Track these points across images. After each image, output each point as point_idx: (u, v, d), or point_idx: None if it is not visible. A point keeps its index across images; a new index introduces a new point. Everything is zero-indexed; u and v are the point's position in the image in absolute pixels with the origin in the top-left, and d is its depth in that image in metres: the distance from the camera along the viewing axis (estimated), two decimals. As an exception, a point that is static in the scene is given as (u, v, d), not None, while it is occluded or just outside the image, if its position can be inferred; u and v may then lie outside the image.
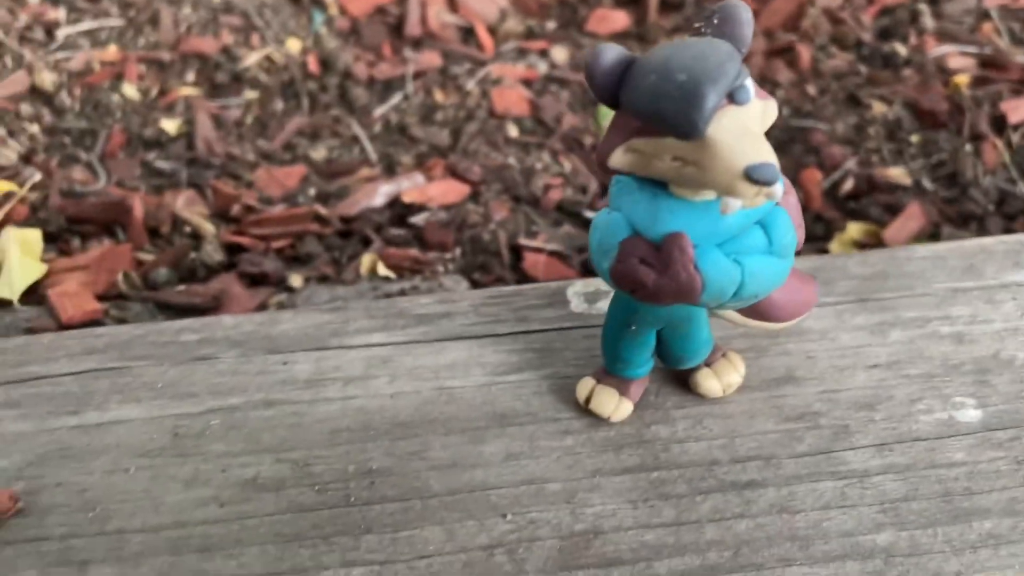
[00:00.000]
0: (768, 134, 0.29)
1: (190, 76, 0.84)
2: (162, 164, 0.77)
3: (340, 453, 0.37)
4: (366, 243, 0.63)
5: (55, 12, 0.86)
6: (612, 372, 0.37)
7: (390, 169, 0.74)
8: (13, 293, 0.55)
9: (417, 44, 0.86)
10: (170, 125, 0.79)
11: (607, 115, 0.83)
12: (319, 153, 0.77)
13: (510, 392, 0.39)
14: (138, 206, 0.60)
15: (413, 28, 0.86)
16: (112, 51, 0.84)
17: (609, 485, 0.35)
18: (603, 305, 0.43)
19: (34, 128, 0.77)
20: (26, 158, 0.72)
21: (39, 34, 0.84)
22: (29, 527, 0.34)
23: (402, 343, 0.42)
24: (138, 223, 0.60)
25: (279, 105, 0.82)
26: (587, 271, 0.64)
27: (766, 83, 0.85)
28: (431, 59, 0.84)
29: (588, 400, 0.37)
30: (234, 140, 0.78)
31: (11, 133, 0.75)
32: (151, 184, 0.75)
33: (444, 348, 0.42)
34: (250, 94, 0.83)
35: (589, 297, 0.44)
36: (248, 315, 0.43)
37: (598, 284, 0.45)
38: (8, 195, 0.64)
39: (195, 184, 0.73)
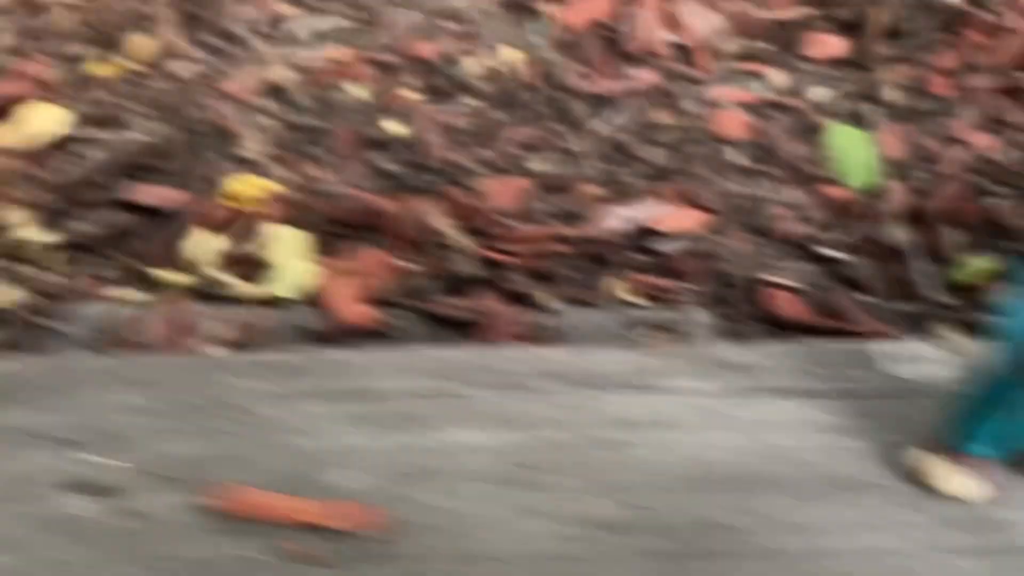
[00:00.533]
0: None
1: (411, 79, 0.86)
2: (387, 165, 0.79)
3: (680, 501, 0.38)
4: (604, 263, 0.64)
5: (289, 9, 0.89)
6: (965, 450, 0.37)
7: (614, 188, 0.74)
8: (286, 291, 0.58)
9: (633, 60, 0.86)
10: (393, 127, 0.82)
11: (842, 137, 0.82)
12: (539, 165, 0.78)
13: (841, 455, 0.40)
14: (397, 214, 0.63)
15: (630, 44, 0.86)
16: (341, 51, 0.87)
17: (959, 565, 0.34)
18: (928, 371, 0.42)
19: (271, 123, 0.81)
20: (272, 155, 0.76)
21: (274, 30, 0.88)
22: (390, 545, 0.35)
23: (721, 394, 0.42)
24: (397, 230, 0.62)
25: (497, 114, 0.84)
26: (824, 311, 0.64)
27: (994, 123, 0.82)
28: (648, 77, 0.84)
29: (934, 474, 0.37)
30: (454, 146, 0.80)
31: (252, 128, 0.79)
32: (376, 185, 0.77)
33: (764, 401, 0.42)
34: (469, 101, 0.85)
35: (909, 359, 0.43)
36: (569, 349, 0.44)
37: (918, 350, 0.44)
38: (264, 193, 0.67)
39: (418, 188, 0.75)
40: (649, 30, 0.87)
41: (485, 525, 0.36)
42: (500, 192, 0.73)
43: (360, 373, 0.42)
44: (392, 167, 0.79)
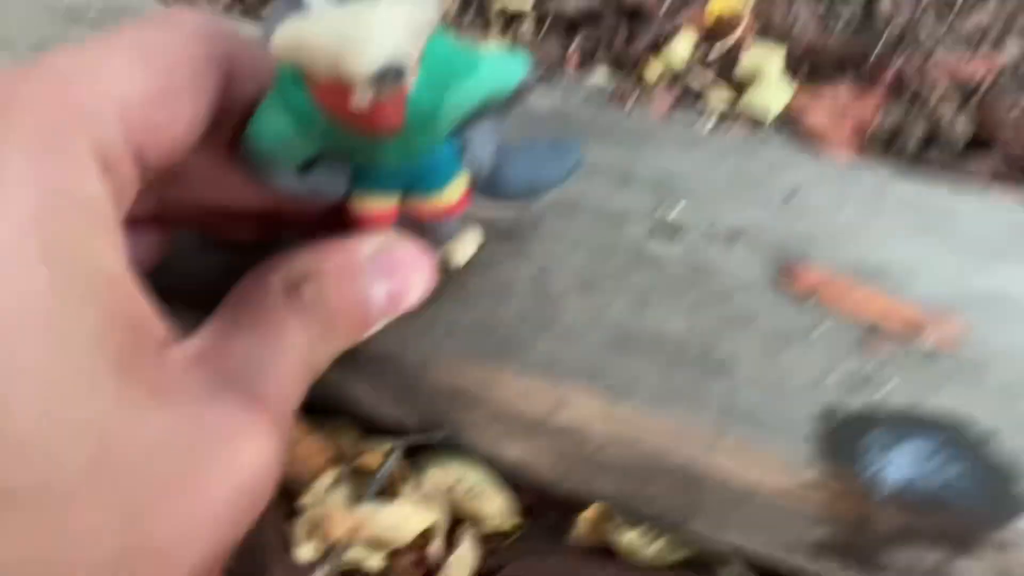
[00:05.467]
0: None
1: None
2: (834, 18, 0.74)
3: None
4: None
5: None
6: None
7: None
8: (769, 111, 0.57)
9: None
10: (856, -26, 0.76)
11: None
12: (1012, 50, 0.70)
13: None
14: (880, 61, 0.59)
15: None
16: None
17: None
18: None
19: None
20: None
21: None
22: (969, 362, 0.33)
23: None
24: (889, 76, 0.58)
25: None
26: None
27: None
28: None
29: None
30: (911, 14, 0.74)
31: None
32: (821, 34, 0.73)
33: None
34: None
35: None
36: None
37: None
38: (743, 8, 0.65)
39: (867, 49, 0.70)
40: None
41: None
42: (965, 69, 0.67)
43: (939, 198, 0.40)
44: (840, 25, 0.74)
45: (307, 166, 0.27)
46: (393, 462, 0.35)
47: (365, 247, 0.26)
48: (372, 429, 0.38)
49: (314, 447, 0.35)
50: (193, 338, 0.21)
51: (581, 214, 0.38)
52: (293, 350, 0.22)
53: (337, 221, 0.29)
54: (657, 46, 0.63)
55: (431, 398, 0.35)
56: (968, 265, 0.36)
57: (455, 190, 0.29)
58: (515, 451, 0.35)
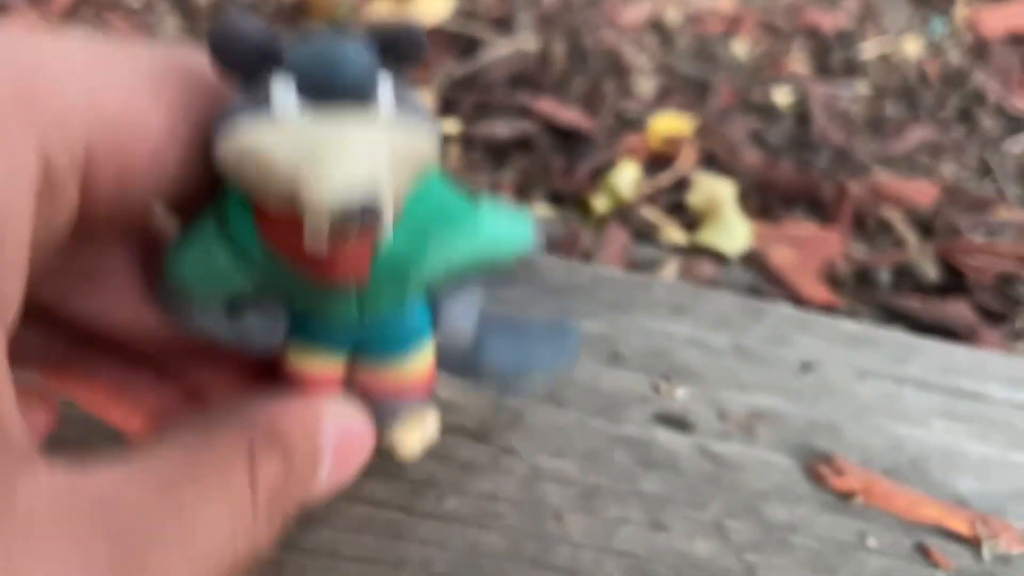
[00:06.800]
0: None
1: (800, 50, 0.80)
2: (770, 137, 0.73)
3: None
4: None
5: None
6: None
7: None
8: (733, 248, 0.53)
9: (1054, 83, 0.78)
10: (781, 97, 0.76)
11: None
12: (945, 172, 0.71)
13: None
14: (853, 193, 0.57)
15: (1054, 64, 0.77)
16: (732, 4, 0.81)
17: None
18: None
19: (652, 64, 0.75)
20: (659, 96, 0.71)
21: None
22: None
23: None
24: (848, 211, 0.56)
25: (891, 106, 0.76)
26: None
27: None
28: (1072, 103, 0.75)
29: None
30: (846, 132, 0.73)
31: (641, 64, 0.74)
32: (758, 155, 0.71)
33: None
34: (862, 86, 0.77)
35: None
36: None
37: None
38: (683, 137, 0.62)
39: (805, 170, 0.69)
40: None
41: None
42: (911, 194, 0.66)
43: (957, 371, 0.36)
44: (775, 140, 0.72)
45: (235, 305, 0.20)
46: None
47: (328, 409, 0.20)
48: None
49: None
50: (75, 468, 0.15)
51: (569, 401, 0.32)
52: (225, 527, 0.16)
53: (261, 371, 0.23)
54: (598, 174, 0.59)
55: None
56: (1011, 453, 0.32)
57: (419, 362, 0.22)
58: None
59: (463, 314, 0.23)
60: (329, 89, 0.15)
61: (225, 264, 0.19)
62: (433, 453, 0.30)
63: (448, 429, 0.30)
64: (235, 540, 0.17)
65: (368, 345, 0.22)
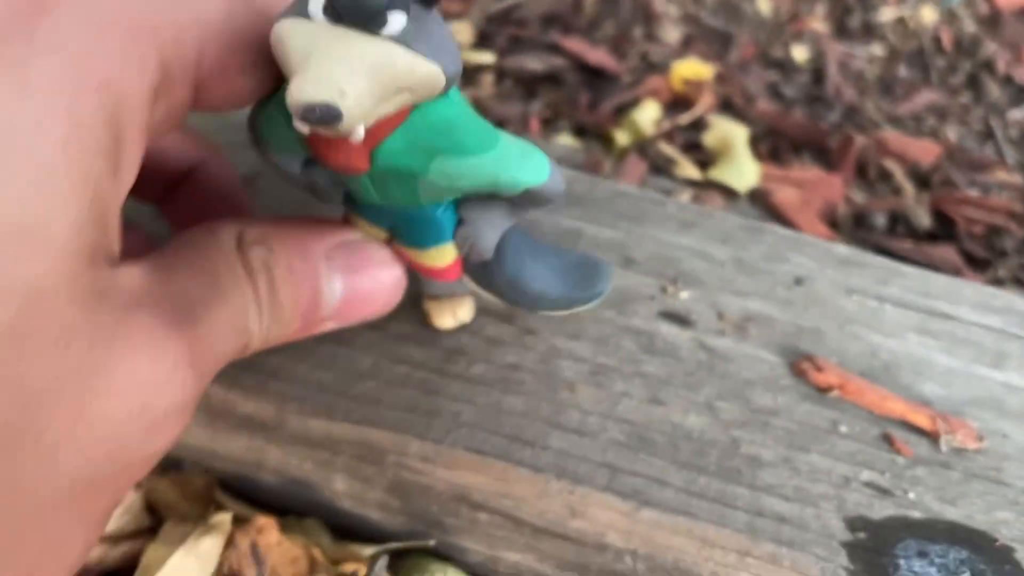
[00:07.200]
0: None
1: (821, 9, 0.82)
2: (785, 90, 0.76)
3: None
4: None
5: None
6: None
7: (1035, 183, 0.69)
8: (742, 185, 0.56)
9: (1064, 56, 0.80)
10: (799, 54, 0.78)
11: None
12: (950, 135, 0.74)
13: None
14: (858, 144, 0.60)
15: (1065, 38, 0.80)
16: (759, -40, 0.83)
17: None
18: None
19: (675, 12, 0.78)
20: (684, 44, 0.74)
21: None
22: (988, 467, 0.33)
23: None
24: (851, 159, 0.59)
25: (904, 69, 0.79)
26: None
27: None
28: (1079, 77, 0.78)
29: None
30: (858, 90, 0.76)
31: (669, 12, 0.76)
32: (773, 107, 0.74)
33: None
34: (877, 48, 0.80)
35: None
36: None
37: None
38: (705, 81, 0.65)
39: (813, 119, 0.72)
40: (1088, 29, 0.80)
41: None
42: (915, 151, 0.69)
43: (933, 294, 0.40)
44: (790, 93, 0.75)
45: (308, 160, 0.24)
46: (378, 572, 0.31)
47: (328, 233, 0.24)
48: (344, 531, 0.33)
49: (288, 555, 0.30)
50: (135, 263, 0.20)
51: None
52: (230, 305, 0.21)
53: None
54: (621, 112, 0.62)
55: (425, 499, 0.31)
56: (974, 366, 0.36)
57: (438, 256, 0.27)
58: (514, 557, 0.32)
59: (482, 230, 0.26)
60: (346, 10, 0.18)
61: (287, 133, 0.22)
62: (464, 328, 0.34)
63: (479, 310, 0.34)
64: (248, 320, 0.21)
65: (397, 230, 0.26)
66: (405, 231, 0.26)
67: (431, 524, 0.32)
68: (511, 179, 0.23)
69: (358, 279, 0.24)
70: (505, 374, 0.33)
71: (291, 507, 0.33)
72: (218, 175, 0.28)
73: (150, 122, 0.18)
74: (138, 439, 0.18)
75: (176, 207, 0.29)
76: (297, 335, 0.23)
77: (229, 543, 0.30)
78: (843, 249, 0.40)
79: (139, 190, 0.27)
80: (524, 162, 0.23)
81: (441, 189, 0.23)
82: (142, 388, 0.17)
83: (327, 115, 0.17)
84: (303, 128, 0.19)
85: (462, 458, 0.31)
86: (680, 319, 0.36)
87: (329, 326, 0.24)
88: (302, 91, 0.17)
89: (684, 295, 0.36)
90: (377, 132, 0.21)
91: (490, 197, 0.25)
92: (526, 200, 0.24)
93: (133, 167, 0.18)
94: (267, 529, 0.32)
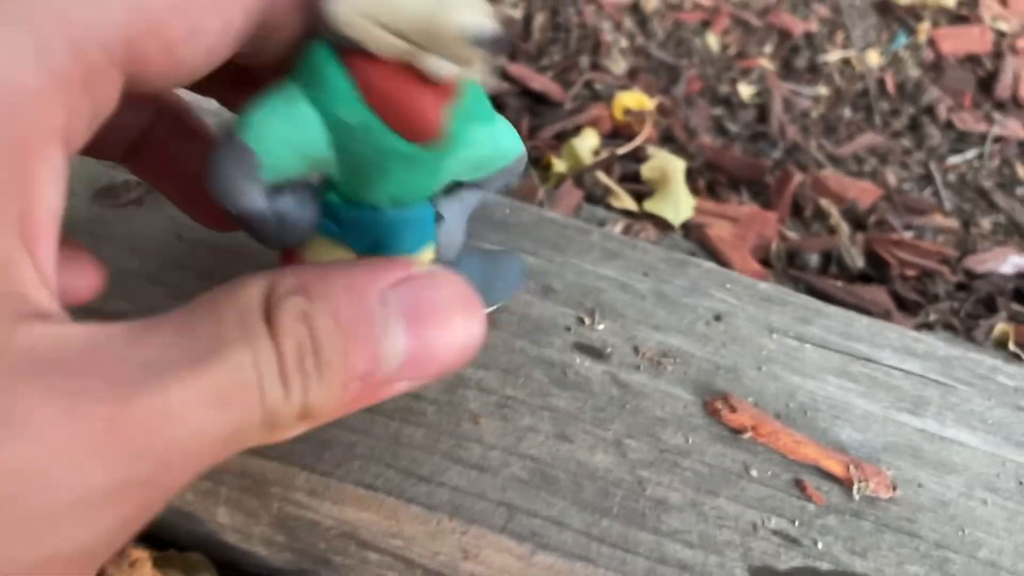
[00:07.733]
0: None
1: (769, 47, 0.83)
2: (729, 125, 0.76)
3: None
4: (988, 304, 0.60)
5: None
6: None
7: (969, 230, 0.70)
8: (677, 219, 0.56)
9: (1002, 107, 0.82)
10: (745, 90, 0.79)
11: None
12: (890, 177, 0.74)
13: None
14: (795, 179, 0.60)
15: (1003, 90, 0.82)
16: (709, -4, 0.84)
17: None
18: None
19: (623, 44, 0.78)
20: (630, 74, 0.73)
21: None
22: (901, 517, 0.33)
23: None
24: (788, 196, 0.59)
25: (847, 111, 0.80)
26: None
27: None
28: (1015, 129, 0.80)
29: None
30: (801, 129, 0.77)
31: (616, 43, 0.76)
32: (715, 142, 0.74)
33: None
34: (822, 89, 0.81)
35: None
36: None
37: None
38: (645, 113, 0.65)
39: (754, 155, 0.72)
40: (1025, 82, 0.82)
41: (995, 535, 0.33)
42: (854, 192, 0.69)
43: (855, 336, 0.39)
44: (734, 128, 0.75)
45: (274, 188, 0.21)
46: (258, 613, 0.29)
47: (383, 269, 0.18)
48: (230, 566, 0.31)
49: (158, 593, 0.28)
50: (103, 325, 0.16)
51: (500, 323, 0.34)
52: (222, 370, 0.16)
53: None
54: (560, 139, 0.61)
55: (312, 535, 0.29)
56: (892, 412, 0.35)
57: (421, 260, 0.24)
58: (408, 600, 0.30)
59: (455, 225, 0.25)
60: None
61: (310, 128, 0.20)
62: (366, 354, 0.32)
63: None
64: (263, 399, 0.16)
65: (380, 244, 0.23)
66: (392, 241, 0.23)
67: (319, 562, 0.30)
68: (510, 146, 0.23)
69: (426, 330, 0.18)
70: (406, 403, 0.31)
71: (174, 540, 0.31)
72: (177, 119, 0.26)
73: (69, 124, 0.16)
74: (12, 537, 0.14)
75: (145, 163, 0.26)
76: (360, 402, 0.18)
77: (93, 578, 0.28)
78: (765, 286, 0.39)
79: (101, 152, 0.25)
80: (511, 131, 0.23)
81: (465, 164, 0.23)
82: (28, 472, 0.14)
83: (499, 42, 0.17)
84: (444, 71, 0.18)
85: (351, 493, 0.29)
86: (595, 352, 0.34)
87: (401, 387, 0.19)
88: (476, 21, 0.17)
89: (601, 327, 0.35)
90: (446, 90, 0.20)
91: (455, 188, 0.24)
92: (506, 173, 0.24)
93: (51, 190, 0.15)
94: (141, 563, 0.30)
